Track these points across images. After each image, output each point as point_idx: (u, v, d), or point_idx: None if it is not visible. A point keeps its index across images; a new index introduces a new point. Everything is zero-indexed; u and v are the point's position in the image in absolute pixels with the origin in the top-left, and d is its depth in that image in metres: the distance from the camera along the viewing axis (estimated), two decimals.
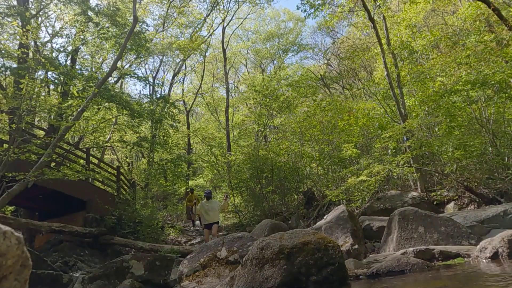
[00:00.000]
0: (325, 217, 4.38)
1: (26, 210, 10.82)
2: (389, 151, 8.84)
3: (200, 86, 22.16)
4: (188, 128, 20.78)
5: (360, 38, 16.91)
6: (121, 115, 12.69)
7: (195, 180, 19.90)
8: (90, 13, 11.27)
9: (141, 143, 13.00)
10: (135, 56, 13.86)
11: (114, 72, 11.10)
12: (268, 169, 11.21)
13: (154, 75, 21.27)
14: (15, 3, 11.24)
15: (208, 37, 20.13)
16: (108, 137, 15.35)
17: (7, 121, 8.91)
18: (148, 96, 17.54)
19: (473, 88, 6.55)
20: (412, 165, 7.61)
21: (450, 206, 6.75)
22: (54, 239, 8.25)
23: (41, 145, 7.93)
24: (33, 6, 11.32)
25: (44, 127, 12.14)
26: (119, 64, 12.26)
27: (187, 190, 18.62)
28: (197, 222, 15.39)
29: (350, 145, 9.35)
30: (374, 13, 9.61)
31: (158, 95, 18.00)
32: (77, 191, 9.18)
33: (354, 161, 10.06)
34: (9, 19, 10.20)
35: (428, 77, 9.33)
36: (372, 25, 9.49)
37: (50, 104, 9.56)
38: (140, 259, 4.00)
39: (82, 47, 13.18)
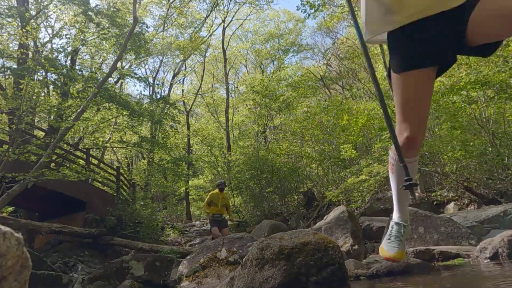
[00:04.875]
0: (325, 217, 4.38)
1: (26, 211, 10.81)
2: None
3: (200, 87, 22.16)
4: (188, 128, 20.78)
5: None
6: (120, 115, 12.69)
7: (195, 180, 19.90)
8: (90, 13, 11.28)
9: (141, 143, 12.98)
10: (134, 57, 13.87)
11: (114, 72, 11.11)
12: (268, 169, 11.21)
13: (154, 76, 21.29)
14: (15, 3, 11.25)
15: (208, 38, 20.16)
16: (108, 137, 15.36)
17: (7, 121, 8.91)
18: (148, 97, 17.56)
19: (473, 88, 6.55)
20: None
21: (450, 207, 6.75)
22: (54, 240, 8.25)
23: (40, 145, 7.92)
24: (32, 7, 11.33)
25: (44, 128, 12.15)
26: (119, 64, 12.27)
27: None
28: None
29: (349, 146, 9.36)
30: None
31: (158, 96, 18.03)
32: (77, 192, 9.18)
33: (354, 162, 10.06)
34: (9, 20, 10.21)
35: None
36: None
37: (49, 104, 9.56)
38: (140, 260, 3.99)
39: (81, 48, 13.18)
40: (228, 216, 7.96)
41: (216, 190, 7.78)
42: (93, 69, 13.60)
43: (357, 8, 11.32)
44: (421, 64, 1.23)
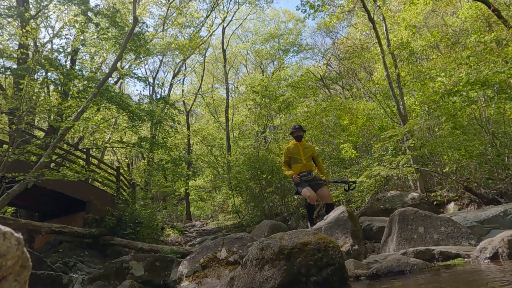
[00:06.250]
0: (325, 217, 4.37)
1: (26, 211, 10.82)
2: (389, 151, 8.85)
3: (200, 87, 22.18)
4: (188, 128, 20.80)
5: (360, 38, 16.91)
6: (120, 115, 12.69)
7: (195, 180, 19.89)
8: (90, 13, 11.28)
9: (141, 143, 12.98)
10: (134, 57, 13.87)
11: (114, 72, 11.11)
12: (268, 169, 11.21)
13: (154, 76, 21.30)
14: (15, 3, 11.25)
15: (208, 38, 20.17)
16: (108, 137, 15.36)
17: (7, 121, 8.91)
18: (148, 97, 17.56)
19: (473, 88, 6.56)
20: (412, 165, 7.61)
21: (450, 207, 6.75)
22: (54, 240, 8.25)
23: (41, 145, 7.92)
24: (32, 7, 11.33)
25: (44, 128, 12.15)
26: (118, 64, 12.27)
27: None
28: None
29: (349, 145, 9.35)
30: (374, 14, 9.62)
31: (158, 96, 18.04)
32: (76, 192, 9.19)
33: (354, 162, 10.06)
34: (9, 19, 10.22)
35: (428, 77, 9.34)
36: (372, 25, 9.49)
37: (49, 104, 9.57)
38: (140, 260, 3.99)
39: (81, 48, 13.18)
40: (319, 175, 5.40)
41: (292, 141, 5.45)
42: (93, 69, 13.60)
43: (356, 8, 11.17)
44: None
